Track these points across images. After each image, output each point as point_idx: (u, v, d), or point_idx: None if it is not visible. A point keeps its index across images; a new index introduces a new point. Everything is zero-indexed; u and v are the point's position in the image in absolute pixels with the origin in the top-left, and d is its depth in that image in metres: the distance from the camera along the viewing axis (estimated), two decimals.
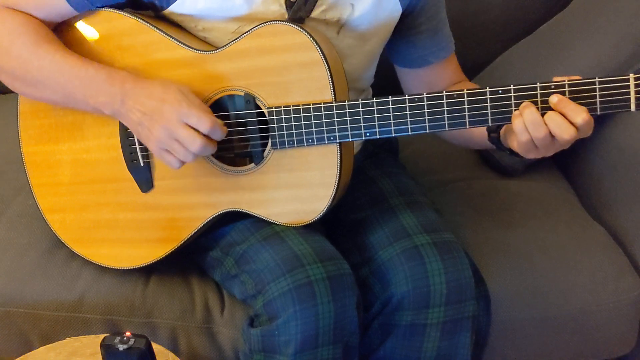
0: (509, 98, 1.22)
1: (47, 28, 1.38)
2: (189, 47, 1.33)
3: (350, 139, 1.30)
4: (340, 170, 1.32)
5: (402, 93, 1.50)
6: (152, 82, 1.31)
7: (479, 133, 1.39)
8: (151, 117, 1.28)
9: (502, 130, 1.32)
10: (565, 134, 1.20)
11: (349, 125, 1.29)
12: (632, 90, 1.18)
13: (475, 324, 1.41)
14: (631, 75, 1.18)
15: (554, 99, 1.20)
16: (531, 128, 1.20)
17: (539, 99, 1.21)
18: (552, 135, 1.21)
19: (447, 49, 1.51)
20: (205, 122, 1.25)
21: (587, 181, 1.80)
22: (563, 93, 1.20)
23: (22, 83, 1.38)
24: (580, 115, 1.19)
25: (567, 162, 1.87)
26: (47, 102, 1.41)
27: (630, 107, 1.19)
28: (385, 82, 1.57)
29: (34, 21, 1.36)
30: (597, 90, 1.19)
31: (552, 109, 1.20)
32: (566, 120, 1.19)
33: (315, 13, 1.34)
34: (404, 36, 1.46)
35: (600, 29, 1.74)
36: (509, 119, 1.23)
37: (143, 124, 1.29)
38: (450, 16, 1.51)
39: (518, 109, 1.22)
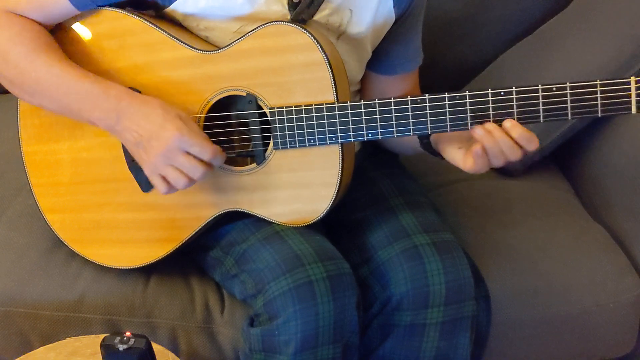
0: (511, 100, 1.22)
1: (47, 35, 1.37)
2: (191, 47, 1.33)
3: (352, 140, 1.30)
4: (342, 171, 1.32)
5: None
6: (149, 102, 1.30)
7: (410, 140, 1.41)
8: (149, 142, 1.27)
9: (431, 137, 1.36)
10: (513, 155, 1.25)
11: (350, 126, 1.29)
12: (633, 93, 1.18)
13: (474, 324, 1.41)
14: (632, 78, 1.18)
15: (508, 124, 1.23)
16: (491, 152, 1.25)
17: (541, 100, 1.21)
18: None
19: (414, 62, 1.51)
20: (208, 151, 1.26)
21: (587, 181, 1.80)
22: (565, 95, 1.20)
23: (20, 90, 1.38)
24: (534, 144, 1.24)
25: (567, 162, 1.88)
26: (45, 109, 1.40)
27: (631, 110, 1.19)
28: None
29: (33, 28, 1.35)
30: (599, 92, 1.19)
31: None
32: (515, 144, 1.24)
33: (317, 16, 1.34)
34: (382, 42, 1.45)
35: (601, 29, 1.74)
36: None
37: (140, 145, 1.28)
38: (450, 17, 1.52)
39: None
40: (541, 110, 1.22)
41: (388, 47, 1.46)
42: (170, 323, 1.47)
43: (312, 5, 1.32)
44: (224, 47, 1.32)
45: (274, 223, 1.38)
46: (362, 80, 1.53)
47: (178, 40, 1.33)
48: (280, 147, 1.32)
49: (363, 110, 1.28)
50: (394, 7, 1.39)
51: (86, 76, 1.33)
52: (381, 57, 1.48)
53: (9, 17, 1.35)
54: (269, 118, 1.32)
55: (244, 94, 1.32)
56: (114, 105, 1.29)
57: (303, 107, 1.29)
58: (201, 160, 1.27)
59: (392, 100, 1.27)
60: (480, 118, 1.25)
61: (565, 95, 1.20)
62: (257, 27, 1.29)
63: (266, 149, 1.34)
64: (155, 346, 1.26)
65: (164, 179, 1.29)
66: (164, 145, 1.26)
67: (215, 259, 1.46)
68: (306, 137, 1.31)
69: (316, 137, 1.30)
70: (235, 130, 1.35)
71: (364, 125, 1.28)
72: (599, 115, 1.21)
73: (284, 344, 1.29)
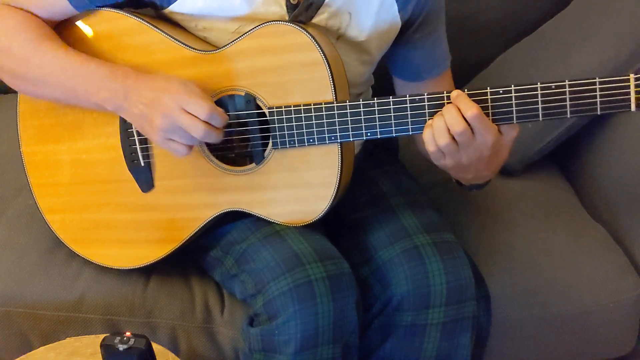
0: (510, 98, 1.22)
1: (48, 26, 1.38)
2: (190, 47, 1.33)
3: (351, 139, 1.30)
4: (341, 170, 1.32)
5: None
6: (154, 75, 1.31)
7: None
8: (152, 107, 1.27)
9: None
10: (456, 126, 1.21)
11: (349, 126, 1.29)
12: (632, 90, 1.18)
13: (475, 324, 1.41)
14: (631, 76, 1.17)
15: (453, 94, 1.22)
16: (437, 134, 1.23)
17: (540, 98, 1.21)
18: (455, 141, 1.23)
19: (442, 66, 1.50)
20: (204, 108, 1.25)
21: (587, 181, 1.80)
22: (564, 93, 1.20)
23: (22, 81, 1.38)
24: (471, 109, 1.21)
25: (567, 162, 1.88)
26: (49, 99, 1.40)
27: (630, 107, 1.19)
28: (385, 82, 1.56)
29: (35, 19, 1.36)
30: (598, 90, 1.19)
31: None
32: (459, 114, 1.21)
33: (315, 19, 1.34)
34: (400, 49, 1.45)
35: (601, 29, 1.74)
36: (511, 119, 1.23)
37: (145, 116, 1.29)
38: (450, 17, 1.50)
39: (432, 118, 1.24)
40: (540, 109, 1.21)
41: (408, 54, 1.45)
42: (170, 323, 1.47)
43: (311, 8, 1.32)
44: (222, 47, 1.32)
45: (273, 223, 1.38)
46: (394, 86, 1.53)
47: (176, 40, 1.33)
48: (279, 146, 1.32)
49: (362, 109, 1.28)
50: (399, 11, 1.37)
51: (91, 59, 1.34)
52: (403, 63, 1.47)
53: (9, 9, 1.37)
54: (268, 118, 1.32)
55: (242, 93, 1.32)
56: (120, 84, 1.30)
57: (302, 107, 1.29)
58: (201, 119, 1.26)
59: (391, 99, 1.26)
60: None
61: (564, 93, 1.20)
62: (255, 27, 1.29)
63: (265, 149, 1.34)
64: (155, 346, 1.27)
65: (176, 141, 1.29)
66: (165, 106, 1.26)
67: (215, 258, 1.46)
68: (305, 137, 1.31)
69: (315, 136, 1.30)
70: (234, 130, 1.35)
71: (363, 124, 1.28)
72: (598, 113, 1.20)
73: (284, 344, 1.29)
